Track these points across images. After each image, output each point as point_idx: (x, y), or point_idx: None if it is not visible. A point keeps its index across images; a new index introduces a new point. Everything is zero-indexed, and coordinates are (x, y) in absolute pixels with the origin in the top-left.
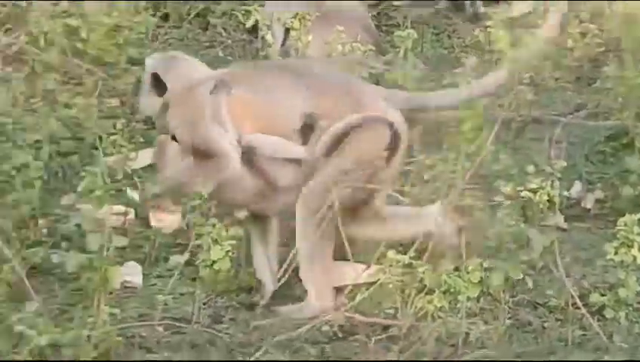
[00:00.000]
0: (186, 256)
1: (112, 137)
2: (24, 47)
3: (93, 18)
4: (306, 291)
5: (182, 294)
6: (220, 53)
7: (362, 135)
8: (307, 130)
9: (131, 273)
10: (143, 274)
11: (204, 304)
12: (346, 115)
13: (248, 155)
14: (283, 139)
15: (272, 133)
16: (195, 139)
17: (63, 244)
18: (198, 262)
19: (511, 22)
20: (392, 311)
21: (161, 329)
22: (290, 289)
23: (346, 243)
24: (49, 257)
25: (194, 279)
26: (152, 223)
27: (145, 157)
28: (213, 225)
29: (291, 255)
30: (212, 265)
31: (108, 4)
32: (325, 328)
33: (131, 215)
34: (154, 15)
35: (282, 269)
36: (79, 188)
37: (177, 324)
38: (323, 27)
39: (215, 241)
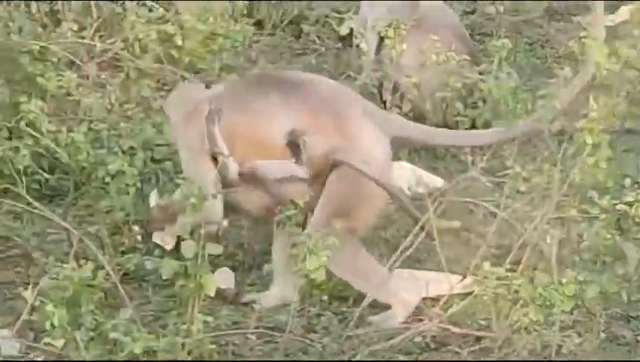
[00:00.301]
0: None
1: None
2: (119, 54)
3: (188, 25)
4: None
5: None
6: (313, 61)
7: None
8: (294, 147)
9: (224, 279)
10: (237, 282)
11: (297, 313)
12: (329, 137)
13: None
14: (282, 162)
15: (261, 153)
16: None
17: (157, 251)
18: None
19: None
20: (485, 323)
21: (254, 337)
22: None
23: (442, 257)
24: (143, 264)
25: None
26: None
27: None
28: (309, 236)
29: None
30: (308, 275)
31: (203, 10)
32: (418, 339)
33: (225, 222)
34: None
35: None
36: (174, 196)
37: (270, 333)
38: (417, 36)
39: (311, 251)
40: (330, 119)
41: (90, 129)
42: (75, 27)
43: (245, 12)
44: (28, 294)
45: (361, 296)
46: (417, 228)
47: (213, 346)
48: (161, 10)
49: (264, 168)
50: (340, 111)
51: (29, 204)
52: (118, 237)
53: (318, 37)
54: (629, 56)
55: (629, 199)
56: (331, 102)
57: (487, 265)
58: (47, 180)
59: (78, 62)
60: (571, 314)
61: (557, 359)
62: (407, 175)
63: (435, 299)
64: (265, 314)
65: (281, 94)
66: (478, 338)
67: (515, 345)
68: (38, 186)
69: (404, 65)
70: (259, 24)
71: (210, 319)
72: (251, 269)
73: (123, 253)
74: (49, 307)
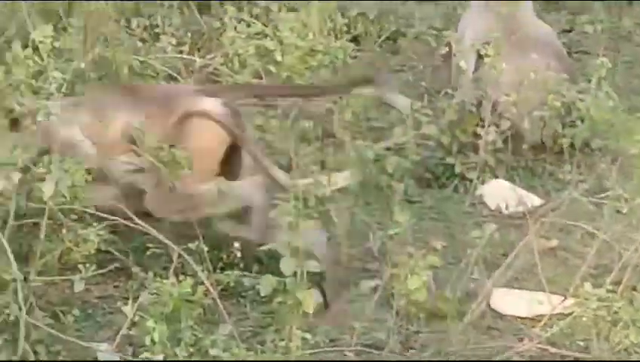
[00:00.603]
0: (377, 282)
1: (305, 160)
2: (218, 69)
3: (287, 40)
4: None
5: (373, 320)
6: (410, 78)
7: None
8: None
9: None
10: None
11: (395, 330)
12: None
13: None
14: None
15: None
16: None
17: (255, 267)
18: (393, 290)
19: None
20: (584, 344)
21: (352, 355)
22: (482, 318)
23: (542, 277)
24: (241, 280)
25: (384, 305)
26: None
27: (337, 180)
28: (410, 255)
29: None
30: (408, 295)
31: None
32: (516, 358)
33: (324, 238)
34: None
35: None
36: (274, 213)
37: (368, 350)
38: (516, 54)
39: (412, 271)
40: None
41: None
42: (174, 42)
43: (345, 28)
44: (128, 309)
45: (460, 314)
46: (519, 248)
47: None
48: (260, 25)
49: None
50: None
51: (127, 218)
52: (217, 253)
53: (416, 53)
54: None
55: None
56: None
57: (588, 286)
58: None
59: (177, 76)
60: None
61: None
62: (505, 194)
63: (535, 320)
64: (361, 330)
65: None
66: (578, 360)
67: None
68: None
69: (503, 84)
70: (355, 40)
71: (308, 336)
72: (348, 286)
73: (222, 268)
74: (149, 322)
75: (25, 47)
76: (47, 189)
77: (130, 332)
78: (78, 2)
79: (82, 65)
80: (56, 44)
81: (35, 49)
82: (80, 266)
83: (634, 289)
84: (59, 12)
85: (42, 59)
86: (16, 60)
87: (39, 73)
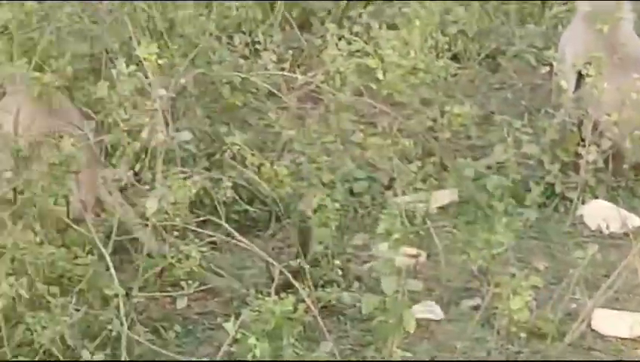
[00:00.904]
0: (477, 301)
1: (407, 178)
2: (320, 86)
3: (389, 59)
4: None
5: (474, 339)
6: (509, 96)
7: None
8: None
9: (430, 310)
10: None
11: (496, 349)
12: None
13: None
14: None
15: None
16: None
17: (355, 284)
18: (494, 310)
19: None
20: None
21: None
22: (583, 339)
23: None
24: (341, 297)
25: (484, 325)
26: None
27: (439, 198)
28: (513, 275)
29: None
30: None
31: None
32: None
33: (423, 257)
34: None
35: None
36: (378, 230)
37: None
38: (618, 73)
39: (515, 291)
40: None
41: (291, 161)
42: (275, 58)
43: (447, 47)
44: (229, 326)
45: (561, 334)
46: (620, 268)
47: None
48: (361, 43)
49: None
50: None
51: (228, 234)
52: (318, 270)
53: (515, 72)
54: None
55: None
56: None
57: None
58: (245, 211)
59: (278, 93)
60: None
61: None
62: (605, 214)
63: (636, 341)
64: (464, 350)
65: None
66: None
67: None
68: (236, 217)
69: (604, 103)
70: (455, 58)
71: (409, 354)
72: (449, 305)
73: (322, 286)
74: (251, 339)
75: (128, 63)
76: (150, 205)
77: (232, 349)
78: (179, 19)
79: (183, 81)
80: (160, 62)
81: (137, 64)
82: (182, 283)
83: None
84: (161, 29)
85: (146, 76)
86: (120, 76)
87: (143, 89)
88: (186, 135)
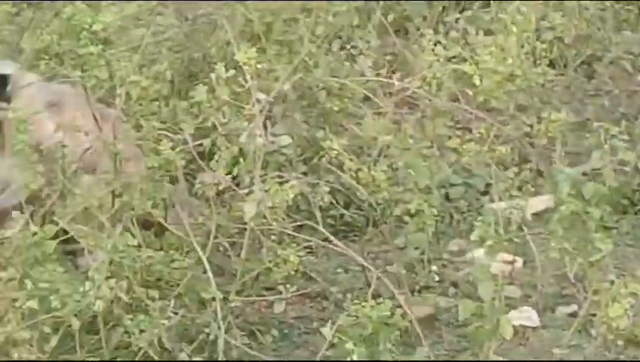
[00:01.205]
0: (574, 308)
1: (503, 185)
2: (416, 92)
3: (485, 65)
4: None
5: (571, 346)
6: (606, 102)
7: None
8: None
9: (526, 317)
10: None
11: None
12: None
13: None
14: None
15: None
16: None
17: (451, 290)
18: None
19: None
20: None
21: None
22: None
23: None
24: (438, 302)
25: (580, 331)
26: None
27: (534, 205)
28: (612, 282)
29: None
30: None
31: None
32: None
33: (519, 263)
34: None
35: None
36: (472, 237)
37: None
38: None
39: (614, 299)
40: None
41: (388, 166)
42: (371, 63)
43: (544, 54)
44: (326, 331)
45: None
46: None
47: None
48: (457, 48)
49: None
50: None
51: (325, 239)
52: (414, 276)
53: (611, 78)
54: None
55: None
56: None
57: None
58: (341, 215)
59: (374, 98)
60: None
61: None
62: None
63: None
64: (560, 357)
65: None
66: None
67: None
68: (332, 222)
69: None
70: (551, 64)
71: (505, 360)
72: (545, 311)
73: (419, 291)
74: (348, 344)
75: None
76: (249, 210)
77: (327, 353)
78: (277, 24)
79: (286, 87)
80: (259, 66)
81: (236, 68)
82: (280, 287)
83: None
84: (259, 34)
85: (245, 81)
86: (219, 81)
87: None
88: (286, 139)
